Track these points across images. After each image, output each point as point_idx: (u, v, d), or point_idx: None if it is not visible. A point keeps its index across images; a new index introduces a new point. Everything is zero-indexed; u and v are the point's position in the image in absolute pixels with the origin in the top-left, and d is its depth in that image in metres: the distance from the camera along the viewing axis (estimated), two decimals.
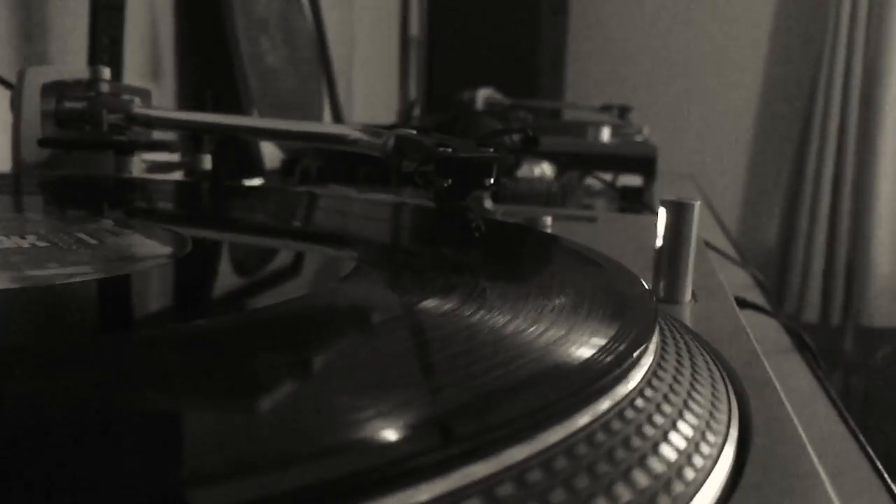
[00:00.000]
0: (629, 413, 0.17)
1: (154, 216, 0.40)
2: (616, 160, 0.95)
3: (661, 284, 0.33)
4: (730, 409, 0.20)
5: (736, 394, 0.21)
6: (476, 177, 0.32)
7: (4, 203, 0.40)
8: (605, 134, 1.25)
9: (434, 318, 0.21)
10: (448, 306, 0.22)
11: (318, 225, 0.42)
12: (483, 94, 1.32)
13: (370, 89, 1.61)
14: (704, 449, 0.17)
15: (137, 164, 0.57)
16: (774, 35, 2.27)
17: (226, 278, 0.30)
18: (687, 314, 0.31)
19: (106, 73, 0.55)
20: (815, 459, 0.18)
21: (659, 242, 0.32)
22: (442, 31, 1.90)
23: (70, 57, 0.75)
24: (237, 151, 0.86)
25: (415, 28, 1.92)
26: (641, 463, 0.15)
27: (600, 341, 0.19)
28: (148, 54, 0.88)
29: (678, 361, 0.21)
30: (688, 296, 0.33)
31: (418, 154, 0.34)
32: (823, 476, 0.17)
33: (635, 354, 0.18)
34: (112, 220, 0.34)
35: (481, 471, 0.13)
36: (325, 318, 0.22)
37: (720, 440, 0.18)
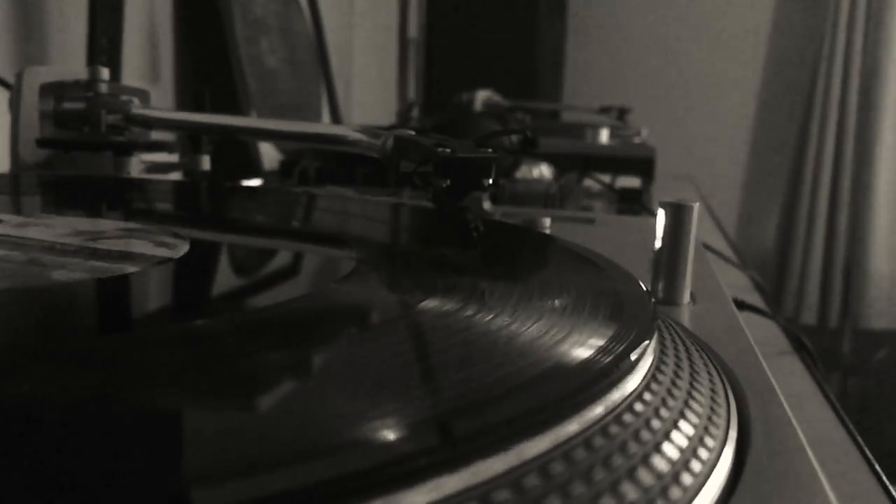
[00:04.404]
0: (628, 415, 0.17)
1: (153, 217, 0.40)
2: (614, 162, 0.96)
3: (660, 286, 0.33)
4: (728, 411, 0.20)
5: (735, 395, 0.21)
6: (475, 178, 0.32)
7: (3, 203, 0.40)
8: (604, 135, 1.25)
9: (432, 318, 0.21)
10: (446, 307, 0.22)
11: (317, 226, 0.42)
12: (482, 96, 1.32)
13: (369, 90, 1.61)
14: (704, 450, 0.17)
15: (136, 165, 0.57)
16: (773, 37, 2.28)
17: (225, 279, 0.30)
18: (685, 316, 0.31)
19: (104, 73, 0.55)
20: (814, 461, 0.18)
21: (657, 244, 0.32)
22: (441, 32, 1.90)
23: (69, 57, 0.75)
24: (236, 152, 0.86)
25: (413, 30, 1.92)
26: (641, 465, 0.15)
27: (599, 342, 0.19)
28: (146, 55, 0.88)
29: (677, 363, 0.21)
30: (686, 297, 0.33)
31: (417, 155, 0.34)
32: (822, 477, 0.17)
33: (634, 356, 0.18)
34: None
35: (479, 473, 0.13)
36: (324, 319, 0.22)
37: (719, 441, 0.18)
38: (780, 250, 2.32)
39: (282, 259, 0.34)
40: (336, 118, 1.22)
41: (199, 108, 0.59)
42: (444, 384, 0.17)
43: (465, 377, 0.17)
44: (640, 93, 2.24)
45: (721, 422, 0.19)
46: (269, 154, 0.88)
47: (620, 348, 0.19)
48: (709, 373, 0.22)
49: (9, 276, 0.23)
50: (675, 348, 0.22)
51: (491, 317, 0.21)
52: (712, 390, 0.20)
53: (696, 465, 0.16)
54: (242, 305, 0.26)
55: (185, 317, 0.23)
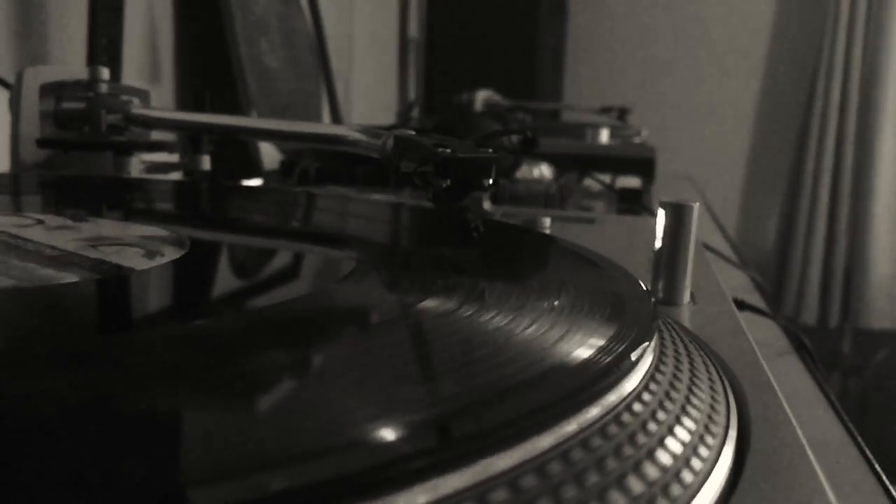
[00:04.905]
0: (628, 414, 0.17)
1: (153, 217, 0.40)
2: (615, 162, 0.96)
3: (660, 286, 0.33)
4: (728, 411, 0.20)
5: (735, 395, 0.21)
6: (475, 178, 0.32)
7: (3, 203, 0.40)
8: (604, 135, 1.26)
9: (433, 318, 0.21)
10: (447, 307, 0.22)
11: (318, 226, 0.42)
12: (482, 96, 1.32)
13: (369, 90, 1.61)
14: (703, 450, 0.17)
15: (136, 165, 0.57)
16: (773, 37, 2.28)
17: (225, 279, 0.30)
18: (685, 316, 0.31)
19: (105, 73, 0.55)
20: (814, 461, 0.18)
21: (658, 244, 0.32)
22: (441, 32, 1.90)
23: (69, 57, 0.75)
24: (236, 152, 0.86)
25: (414, 29, 1.92)
26: (641, 464, 0.15)
27: (599, 342, 0.19)
28: (147, 55, 0.88)
29: (677, 363, 0.21)
30: (686, 297, 0.33)
31: (417, 155, 0.34)
32: (822, 477, 0.17)
33: (634, 356, 0.18)
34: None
35: (479, 472, 0.13)
36: (324, 319, 0.22)
37: (719, 441, 0.18)
38: (780, 250, 2.32)
39: (282, 259, 0.34)
40: (336, 118, 1.22)
41: (199, 108, 0.59)
42: (444, 384, 0.17)
43: (465, 377, 0.17)
44: (640, 93, 2.24)
45: (721, 421, 0.19)
46: (270, 154, 0.88)
47: (621, 348, 0.19)
48: (709, 373, 0.22)
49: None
50: (675, 348, 0.22)
51: (491, 317, 0.21)
52: (712, 390, 0.20)
53: (695, 465, 0.16)
54: (242, 305, 0.26)
55: (184, 317, 0.23)
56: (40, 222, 0.32)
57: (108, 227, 0.32)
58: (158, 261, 0.27)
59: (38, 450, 0.12)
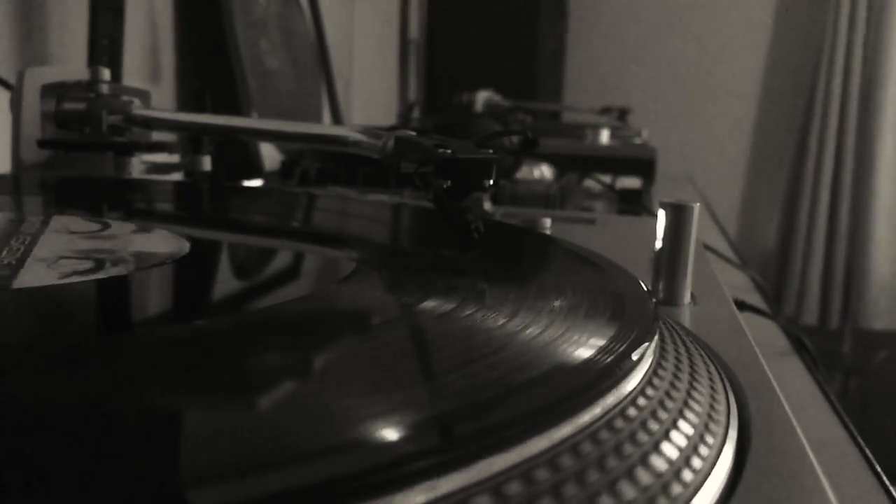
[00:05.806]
0: (628, 413, 0.17)
1: (153, 217, 0.40)
2: (615, 162, 0.96)
3: (661, 286, 0.33)
4: (728, 411, 0.20)
5: (735, 396, 0.21)
6: (475, 178, 0.33)
7: (4, 204, 0.40)
8: (604, 136, 1.26)
9: (433, 319, 0.21)
10: (447, 307, 0.22)
11: (318, 226, 0.42)
12: (482, 96, 1.32)
13: (370, 91, 1.61)
14: (703, 450, 0.17)
15: (137, 165, 0.57)
16: (773, 38, 2.28)
17: (225, 279, 0.30)
18: (686, 316, 0.31)
19: (105, 74, 0.55)
20: (814, 461, 0.18)
21: (658, 244, 0.33)
22: (441, 33, 1.90)
23: (70, 58, 0.75)
24: (236, 153, 0.86)
25: (414, 30, 1.92)
26: (641, 463, 0.15)
27: (600, 342, 0.19)
28: (147, 56, 0.88)
29: (677, 363, 0.21)
30: (687, 298, 0.33)
31: (418, 155, 0.34)
32: (822, 478, 0.17)
33: (635, 355, 0.18)
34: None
35: (480, 472, 0.13)
36: (324, 320, 0.22)
37: (719, 441, 0.18)
38: (781, 250, 2.32)
39: (282, 260, 0.34)
40: (337, 119, 1.22)
41: (199, 109, 0.59)
42: (444, 385, 0.17)
43: (465, 377, 0.17)
44: (640, 93, 2.24)
45: (721, 421, 0.19)
46: (271, 154, 0.88)
47: (622, 348, 0.19)
48: (709, 373, 0.22)
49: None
50: (676, 348, 0.22)
51: (490, 317, 0.21)
52: (712, 390, 0.20)
53: (695, 464, 0.16)
54: (242, 306, 0.26)
55: (184, 317, 0.23)
56: (106, 226, 0.32)
57: (136, 239, 0.31)
58: (71, 279, 0.24)
59: None
